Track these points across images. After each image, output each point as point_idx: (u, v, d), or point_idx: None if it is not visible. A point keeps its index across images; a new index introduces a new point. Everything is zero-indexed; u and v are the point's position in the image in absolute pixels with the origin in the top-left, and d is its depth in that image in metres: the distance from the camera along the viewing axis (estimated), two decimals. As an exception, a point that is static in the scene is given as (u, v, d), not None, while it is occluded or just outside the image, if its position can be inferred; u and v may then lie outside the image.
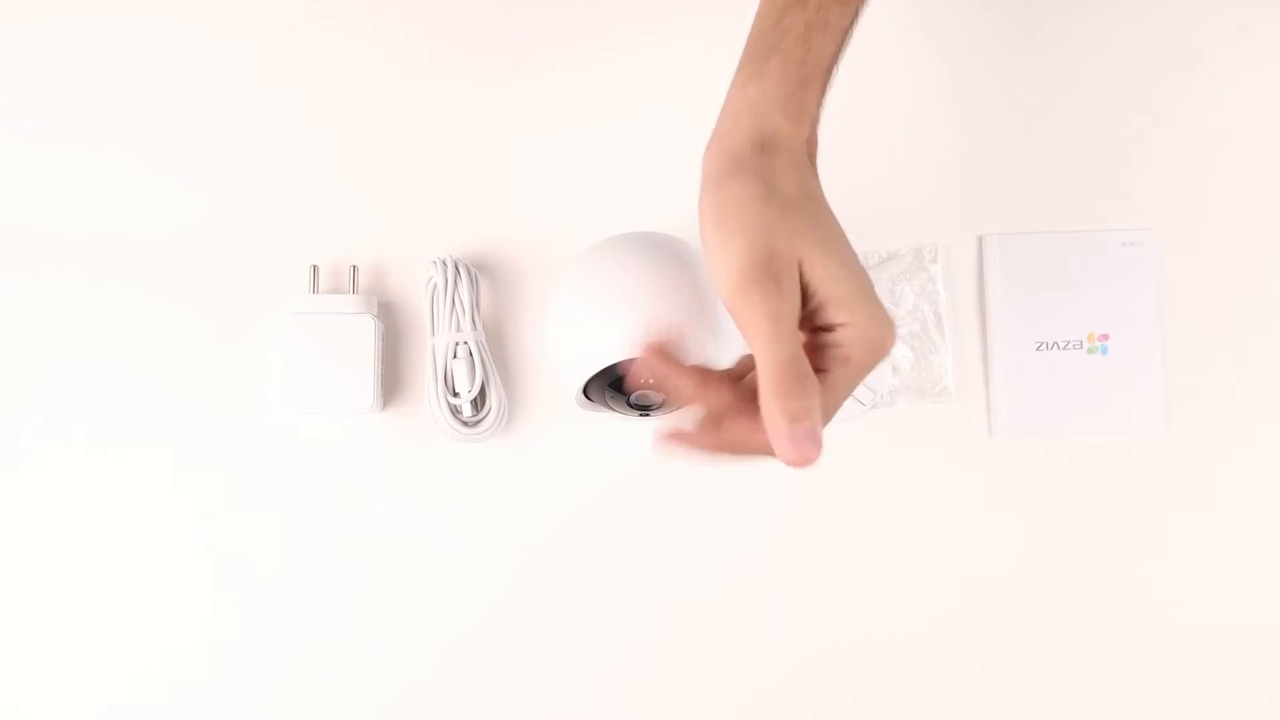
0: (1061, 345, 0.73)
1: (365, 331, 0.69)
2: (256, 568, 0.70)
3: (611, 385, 0.63)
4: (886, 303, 0.71)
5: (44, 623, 0.70)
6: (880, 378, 0.72)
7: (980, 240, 0.74)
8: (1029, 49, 0.74)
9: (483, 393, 0.69)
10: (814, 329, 0.45)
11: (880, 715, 0.71)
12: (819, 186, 0.47)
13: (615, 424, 0.69)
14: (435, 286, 0.69)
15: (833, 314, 0.44)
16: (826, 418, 0.44)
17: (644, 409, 0.64)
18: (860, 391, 0.71)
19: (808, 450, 0.41)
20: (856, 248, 0.46)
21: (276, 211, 0.72)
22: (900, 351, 0.73)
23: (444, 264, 0.69)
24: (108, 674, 0.70)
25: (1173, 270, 0.73)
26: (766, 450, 0.43)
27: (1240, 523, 0.72)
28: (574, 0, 0.75)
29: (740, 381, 0.46)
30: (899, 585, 0.71)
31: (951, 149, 0.74)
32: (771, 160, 0.45)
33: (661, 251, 0.64)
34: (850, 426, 0.72)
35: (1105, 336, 0.73)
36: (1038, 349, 0.73)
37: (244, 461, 0.71)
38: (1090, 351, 0.73)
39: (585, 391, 0.65)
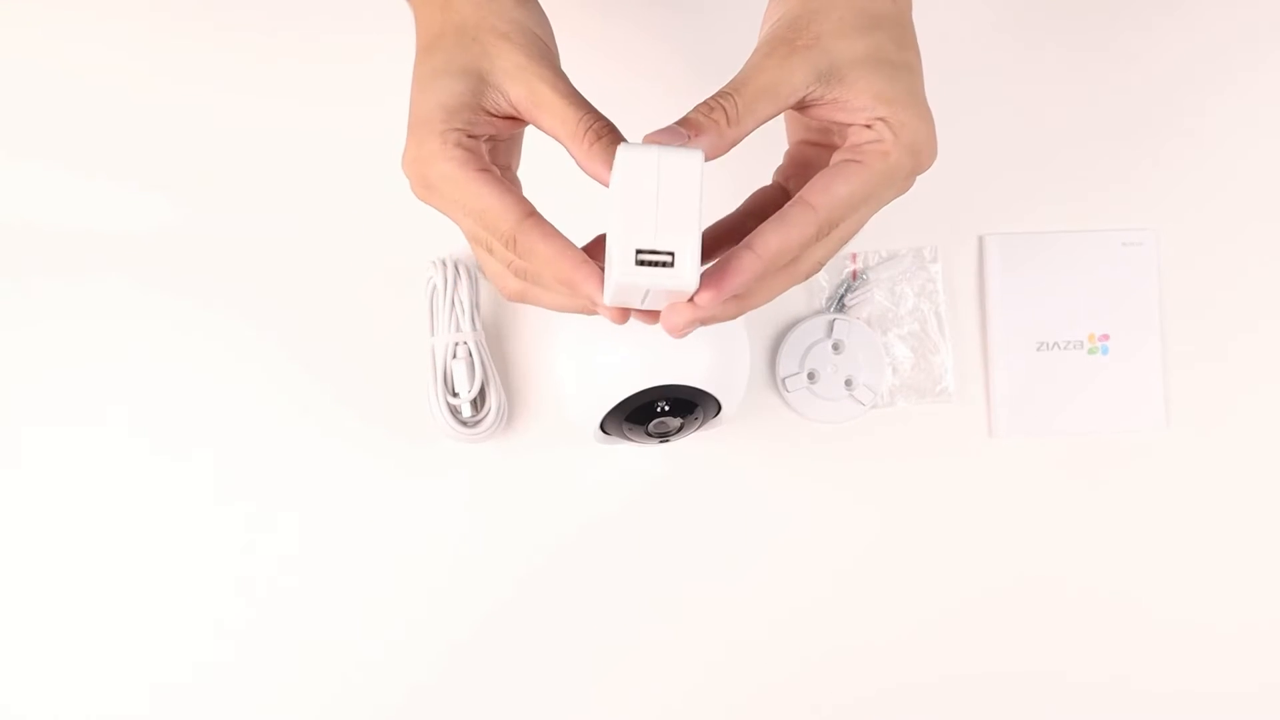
0: (1062, 345, 0.73)
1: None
2: (257, 570, 0.70)
3: (629, 418, 0.63)
4: (886, 303, 0.72)
5: (43, 622, 0.70)
6: (880, 377, 0.72)
7: (980, 240, 0.74)
8: (1029, 49, 0.74)
9: (482, 393, 0.69)
10: (841, 125, 0.44)
11: (881, 715, 0.71)
12: None
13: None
14: (435, 287, 0.69)
15: (872, 107, 0.43)
16: (842, 218, 0.42)
17: (663, 436, 0.64)
18: (860, 392, 0.71)
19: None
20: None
21: (277, 211, 0.72)
22: (900, 351, 0.73)
23: (444, 264, 0.69)
24: (107, 675, 0.70)
25: (1173, 270, 0.73)
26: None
27: (1240, 522, 0.72)
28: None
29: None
30: (899, 585, 0.71)
31: (951, 149, 0.73)
32: None
33: None
34: (850, 426, 0.72)
35: (1105, 336, 0.73)
36: (1038, 349, 0.73)
37: (245, 464, 0.71)
38: (1090, 352, 0.73)
39: (601, 426, 0.64)
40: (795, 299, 0.73)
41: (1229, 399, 0.73)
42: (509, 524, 0.71)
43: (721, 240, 0.46)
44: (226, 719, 0.70)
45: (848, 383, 0.72)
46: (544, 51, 0.45)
